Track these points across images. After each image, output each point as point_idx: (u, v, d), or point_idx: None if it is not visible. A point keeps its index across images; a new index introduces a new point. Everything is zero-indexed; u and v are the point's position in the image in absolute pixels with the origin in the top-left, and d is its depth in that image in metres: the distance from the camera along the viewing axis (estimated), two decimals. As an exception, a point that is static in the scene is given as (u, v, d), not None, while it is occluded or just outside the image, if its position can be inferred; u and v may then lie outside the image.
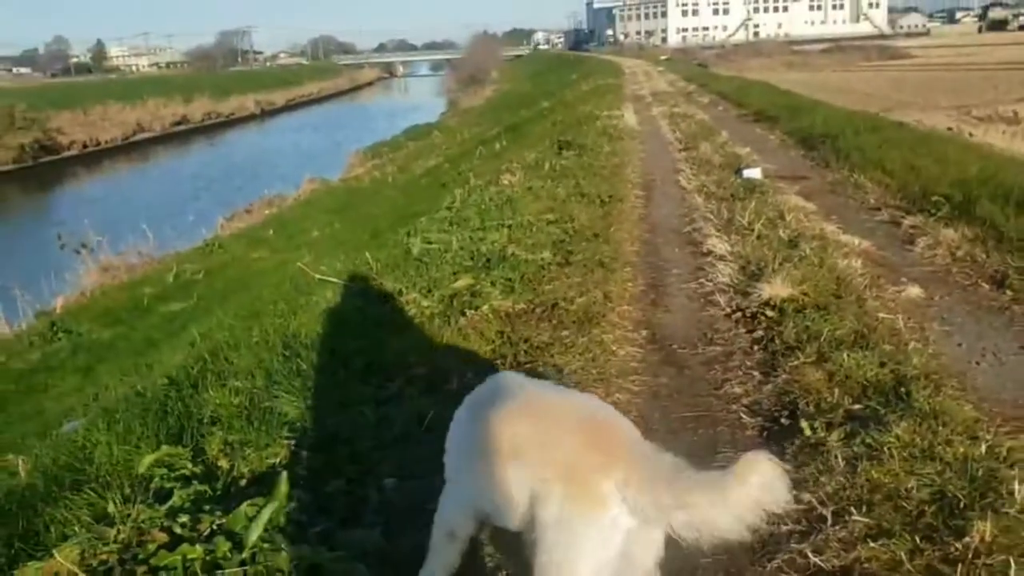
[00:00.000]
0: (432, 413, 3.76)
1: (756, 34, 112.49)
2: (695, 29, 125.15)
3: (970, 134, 15.90)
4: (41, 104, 47.86)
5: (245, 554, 2.79)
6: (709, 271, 6.43)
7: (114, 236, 18.20)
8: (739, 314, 5.49)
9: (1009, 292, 5.65)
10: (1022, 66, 39.54)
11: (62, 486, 3.88)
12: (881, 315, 5.15)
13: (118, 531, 3.10)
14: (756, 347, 4.93)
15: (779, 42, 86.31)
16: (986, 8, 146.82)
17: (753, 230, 7.33)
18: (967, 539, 2.81)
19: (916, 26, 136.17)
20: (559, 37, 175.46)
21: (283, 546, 2.78)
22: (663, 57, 77.01)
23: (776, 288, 5.51)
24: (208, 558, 2.76)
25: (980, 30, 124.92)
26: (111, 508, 3.37)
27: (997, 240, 6.66)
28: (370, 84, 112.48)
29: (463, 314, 5.30)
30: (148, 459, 3.61)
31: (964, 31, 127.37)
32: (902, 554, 2.80)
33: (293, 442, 3.66)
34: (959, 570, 2.68)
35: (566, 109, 24.46)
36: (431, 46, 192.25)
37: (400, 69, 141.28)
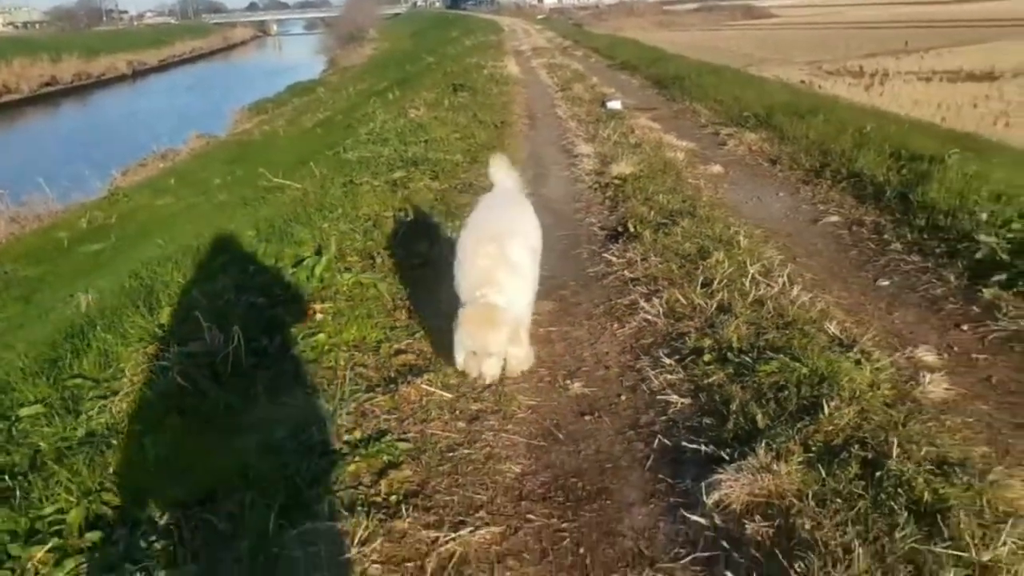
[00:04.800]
0: (403, 230, 5.93)
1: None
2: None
3: (819, 86, 18.55)
4: None
5: (315, 280, 4.90)
6: (578, 164, 8.80)
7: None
8: (597, 185, 7.86)
9: (779, 167, 8.29)
10: (873, 25, 44.05)
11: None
12: (690, 180, 7.65)
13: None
14: (606, 200, 7.32)
15: (651, 2, 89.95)
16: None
17: (610, 139, 9.74)
18: (709, 260, 5.23)
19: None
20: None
21: (337, 275, 4.92)
22: (540, 16, 79.24)
23: (622, 167, 7.92)
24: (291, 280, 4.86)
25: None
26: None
27: (781, 139, 9.34)
28: (244, 43, 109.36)
29: (406, 187, 7.44)
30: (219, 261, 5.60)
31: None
32: (674, 267, 5.21)
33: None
34: (702, 269, 5.08)
35: (453, 62, 26.26)
36: (305, 5, 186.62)
37: (274, 28, 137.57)
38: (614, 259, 5.68)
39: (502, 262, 3.55)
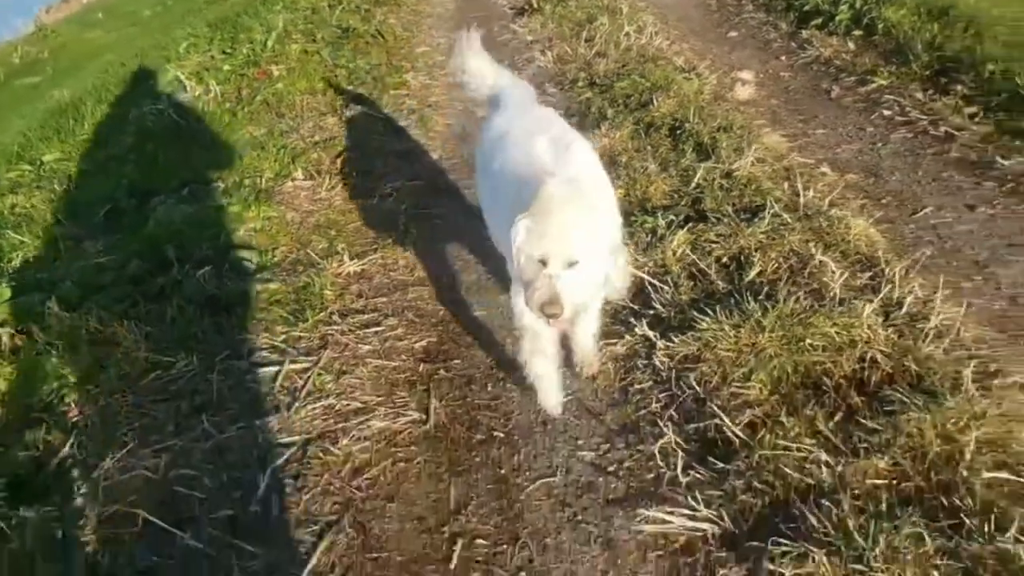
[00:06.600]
0: (337, 14, 6.86)
1: None
2: None
3: None
4: None
5: (267, 50, 5.90)
6: None
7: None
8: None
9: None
10: None
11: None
12: None
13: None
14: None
15: None
16: None
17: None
18: (595, 23, 6.31)
19: None
20: None
21: (286, 47, 5.92)
22: None
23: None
24: (247, 52, 5.86)
25: None
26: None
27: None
28: None
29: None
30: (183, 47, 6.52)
31: None
32: (566, 30, 6.30)
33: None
34: (587, 30, 6.17)
35: None
36: None
37: None
38: (519, 29, 6.75)
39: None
